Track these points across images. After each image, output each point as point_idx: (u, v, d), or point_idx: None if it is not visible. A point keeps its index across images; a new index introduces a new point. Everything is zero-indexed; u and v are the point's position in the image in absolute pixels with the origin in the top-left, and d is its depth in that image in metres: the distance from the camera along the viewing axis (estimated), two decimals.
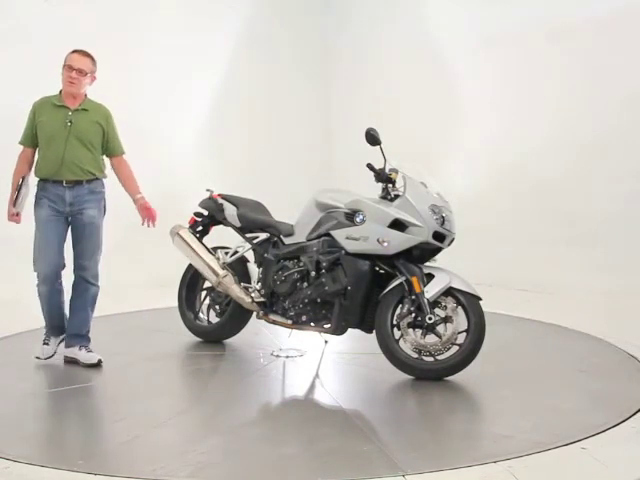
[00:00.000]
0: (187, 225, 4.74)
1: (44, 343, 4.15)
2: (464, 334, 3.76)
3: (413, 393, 3.70)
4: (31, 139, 4.02)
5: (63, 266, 4.06)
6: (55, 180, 3.96)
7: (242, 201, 4.67)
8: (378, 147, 3.92)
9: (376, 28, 8.27)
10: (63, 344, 4.17)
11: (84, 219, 4.01)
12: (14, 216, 4.03)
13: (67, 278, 4.13)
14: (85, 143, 3.98)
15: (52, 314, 4.09)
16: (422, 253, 3.90)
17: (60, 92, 4.02)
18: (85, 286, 4.10)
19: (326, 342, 4.37)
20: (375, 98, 8.25)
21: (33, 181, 4.09)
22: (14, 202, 4.00)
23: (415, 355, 3.82)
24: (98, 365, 4.05)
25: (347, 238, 3.94)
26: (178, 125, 7.57)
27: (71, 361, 4.10)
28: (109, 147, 4.14)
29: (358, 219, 3.95)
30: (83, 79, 3.97)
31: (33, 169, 4.05)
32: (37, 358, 4.12)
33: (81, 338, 4.14)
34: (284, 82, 8.43)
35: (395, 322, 3.86)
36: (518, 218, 6.95)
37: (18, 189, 4.01)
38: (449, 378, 3.77)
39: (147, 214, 4.22)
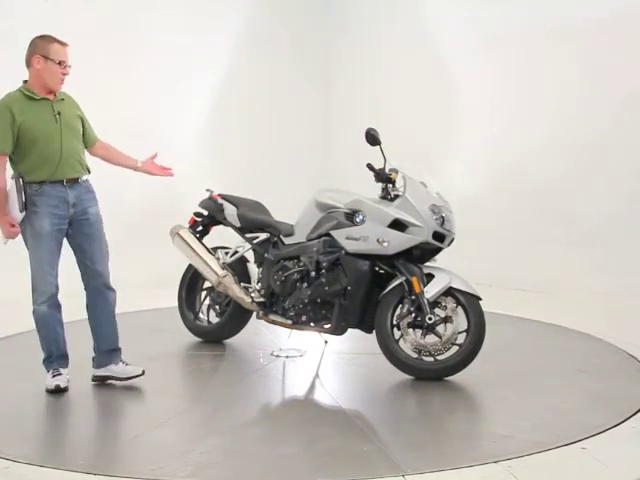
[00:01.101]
0: (187, 225, 4.74)
1: (55, 375, 3.62)
2: (464, 334, 3.76)
3: (413, 393, 3.70)
4: (12, 143, 3.50)
5: None
6: (53, 180, 3.55)
7: (242, 201, 4.67)
8: (378, 147, 3.92)
9: (376, 28, 8.26)
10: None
11: (90, 219, 3.68)
12: (14, 227, 3.54)
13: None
14: (76, 134, 3.66)
15: (57, 337, 3.64)
16: (422, 253, 3.90)
17: (24, 83, 3.58)
18: (105, 294, 3.74)
19: (326, 342, 4.37)
20: (375, 98, 8.25)
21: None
22: (21, 202, 3.49)
23: (415, 355, 3.82)
24: (142, 375, 3.76)
25: (347, 238, 3.94)
26: (178, 125, 7.57)
27: (102, 381, 3.76)
28: (88, 136, 3.80)
29: (358, 219, 3.95)
30: None
31: (21, 172, 3.55)
32: (54, 391, 3.57)
33: (115, 353, 3.79)
34: (284, 82, 8.43)
35: (395, 322, 3.86)
36: (518, 218, 6.95)
37: (23, 191, 3.49)
38: (449, 378, 3.77)
39: (158, 168, 4.02)
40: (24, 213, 3.52)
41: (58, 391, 3.58)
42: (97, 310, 3.75)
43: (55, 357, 3.65)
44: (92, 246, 3.70)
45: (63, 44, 3.58)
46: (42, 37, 3.58)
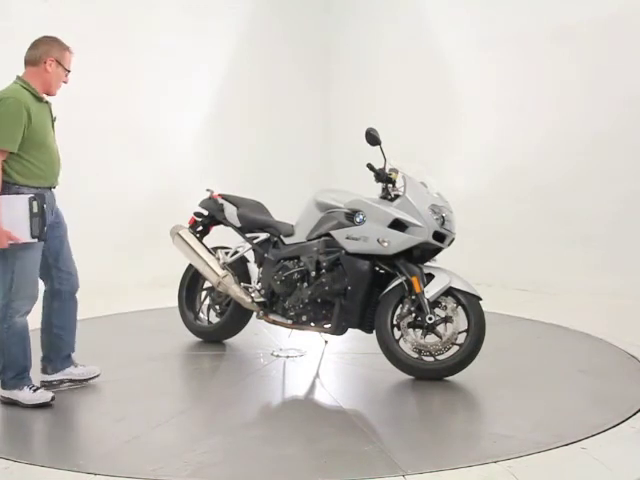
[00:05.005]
0: (187, 225, 4.74)
1: (35, 389, 3.41)
2: (464, 334, 3.77)
3: (413, 393, 3.70)
4: (18, 145, 3.25)
5: None
6: (48, 187, 3.42)
7: (242, 201, 4.67)
8: (378, 147, 3.92)
9: (376, 28, 8.26)
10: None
11: (61, 221, 3.58)
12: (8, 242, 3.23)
13: None
14: (56, 141, 3.51)
15: (29, 351, 3.43)
16: (422, 253, 3.91)
17: (20, 79, 3.39)
18: (75, 300, 3.66)
19: (326, 342, 4.37)
20: (375, 98, 8.25)
21: None
22: (40, 228, 3.26)
23: (415, 355, 3.82)
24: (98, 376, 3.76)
25: (347, 238, 3.94)
26: (178, 125, 7.57)
27: (55, 386, 3.62)
28: None
29: (358, 219, 3.95)
30: None
31: (17, 177, 3.28)
32: (46, 404, 3.37)
33: (72, 356, 3.73)
34: (284, 82, 8.43)
35: (395, 322, 3.86)
36: (518, 218, 6.95)
37: (42, 216, 3.26)
38: (449, 378, 3.77)
39: None
40: (36, 241, 3.29)
41: (48, 404, 3.38)
42: (62, 312, 3.61)
43: (27, 372, 3.42)
44: (63, 249, 3.58)
45: (72, 52, 3.51)
46: (57, 41, 3.47)
